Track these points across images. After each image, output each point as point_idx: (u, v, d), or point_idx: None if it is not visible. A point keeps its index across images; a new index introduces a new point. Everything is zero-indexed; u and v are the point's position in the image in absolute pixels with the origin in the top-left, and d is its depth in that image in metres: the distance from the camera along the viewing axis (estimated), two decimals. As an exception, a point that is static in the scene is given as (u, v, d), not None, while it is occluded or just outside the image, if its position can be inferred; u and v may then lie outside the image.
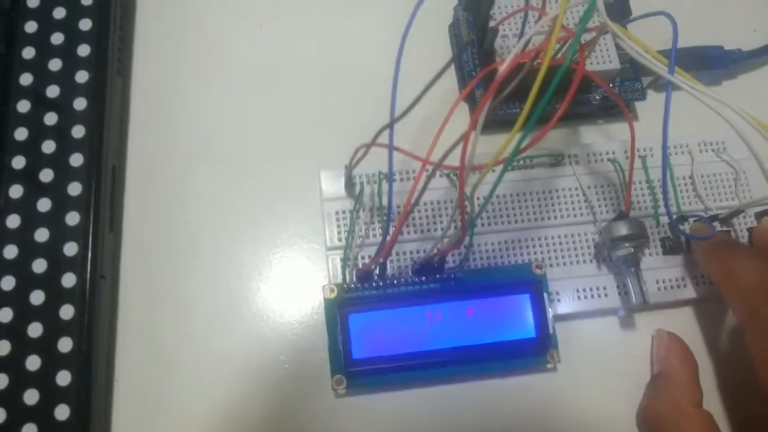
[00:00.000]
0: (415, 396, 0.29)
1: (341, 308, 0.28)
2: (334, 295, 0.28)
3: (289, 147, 0.32)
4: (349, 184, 0.30)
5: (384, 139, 0.24)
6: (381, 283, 0.28)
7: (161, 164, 0.32)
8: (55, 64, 0.30)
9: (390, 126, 0.23)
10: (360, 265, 0.29)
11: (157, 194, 0.31)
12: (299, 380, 0.29)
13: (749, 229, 0.31)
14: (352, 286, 0.28)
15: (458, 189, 0.23)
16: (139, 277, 0.30)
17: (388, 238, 0.26)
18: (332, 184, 0.30)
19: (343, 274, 0.29)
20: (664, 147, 0.25)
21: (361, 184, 0.30)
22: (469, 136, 0.22)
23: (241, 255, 0.30)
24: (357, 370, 0.27)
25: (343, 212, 0.30)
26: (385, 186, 0.30)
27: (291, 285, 0.30)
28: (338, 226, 0.30)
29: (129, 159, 0.32)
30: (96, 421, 0.26)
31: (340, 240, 0.30)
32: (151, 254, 0.30)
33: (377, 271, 0.29)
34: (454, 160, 0.22)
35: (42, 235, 0.27)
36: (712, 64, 0.33)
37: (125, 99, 0.33)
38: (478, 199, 0.30)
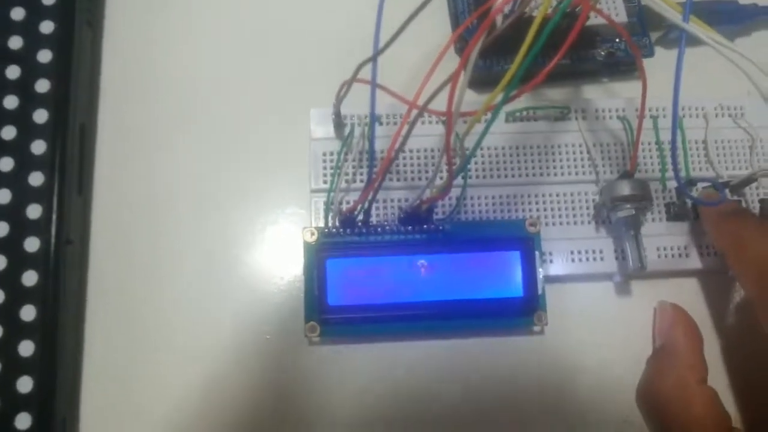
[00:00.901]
0: (392, 350, 0.27)
1: (320, 252, 0.26)
2: (314, 239, 0.27)
3: (275, 96, 0.30)
4: (339, 125, 0.28)
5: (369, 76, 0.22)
6: (364, 230, 0.27)
7: (136, 122, 0.30)
8: (17, 13, 0.27)
9: (373, 59, 0.21)
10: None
11: (132, 154, 0.29)
12: (278, 341, 0.27)
13: (761, 200, 0.29)
14: (334, 230, 0.27)
15: (445, 137, 0.21)
16: (110, 242, 0.28)
17: (371, 183, 0.25)
18: (322, 124, 0.29)
19: (326, 218, 0.28)
20: (675, 102, 0.23)
21: (351, 125, 0.28)
22: (459, 76, 0.20)
23: (222, 217, 0.29)
24: (331, 318, 0.26)
25: (331, 154, 0.28)
26: (377, 128, 0.28)
27: (274, 246, 0.29)
28: (324, 168, 0.28)
29: (101, 117, 0.30)
30: (62, 394, 0.25)
31: (325, 182, 0.28)
32: (124, 219, 0.29)
33: (361, 218, 0.27)
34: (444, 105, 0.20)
35: (3, 196, 0.26)
36: (724, 19, 0.31)
37: (96, 52, 0.30)
38: (467, 149, 0.28)
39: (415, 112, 0.22)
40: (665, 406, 0.24)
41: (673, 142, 0.24)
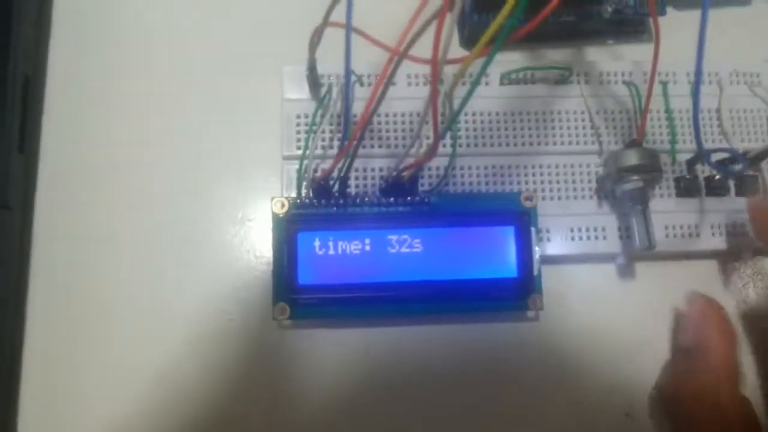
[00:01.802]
0: (369, 335, 0.25)
1: (290, 225, 0.23)
2: (284, 210, 0.24)
3: (243, 50, 0.27)
4: (314, 84, 0.25)
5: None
6: (341, 201, 0.24)
7: (90, 75, 0.27)
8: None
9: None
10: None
11: (85, 112, 0.26)
12: (244, 323, 0.25)
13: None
14: (306, 201, 0.24)
15: (430, 86, 0.18)
16: (56, 208, 0.25)
17: (346, 145, 0.22)
18: (296, 84, 0.26)
19: (299, 187, 0.25)
20: (699, 62, 0.21)
21: (329, 85, 0.25)
22: (445, 15, 0.17)
23: (183, 185, 0.26)
24: (302, 298, 0.23)
25: (306, 116, 0.25)
26: (358, 90, 0.26)
27: (240, 218, 0.26)
28: (298, 133, 0.25)
29: (49, 69, 0.27)
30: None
31: (299, 148, 0.25)
32: (74, 183, 0.26)
33: (337, 187, 0.24)
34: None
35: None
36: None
37: None
38: (463, 115, 0.25)
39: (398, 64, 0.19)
40: (696, 412, 0.22)
41: (696, 103, 0.21)
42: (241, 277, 0.25)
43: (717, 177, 0.26)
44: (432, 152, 0.20)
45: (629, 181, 0.23)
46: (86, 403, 0.24)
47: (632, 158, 0.23)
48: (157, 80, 0.27)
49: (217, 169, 0.26)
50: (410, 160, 0.23)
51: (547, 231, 0.25)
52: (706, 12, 0.20)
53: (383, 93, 0.20)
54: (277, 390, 0.24)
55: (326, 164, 0.25)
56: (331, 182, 0.24)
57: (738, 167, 0.23)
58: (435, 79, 0.18)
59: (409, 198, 0.24)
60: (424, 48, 0.18)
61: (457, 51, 0.26)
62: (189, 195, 0.26)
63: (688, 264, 0.26)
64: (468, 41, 0.27)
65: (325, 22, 0.20)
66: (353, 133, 0.21)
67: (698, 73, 0.20)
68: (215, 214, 0.26)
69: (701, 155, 0.24)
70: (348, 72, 0.20)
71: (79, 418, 0.24)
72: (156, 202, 0.25)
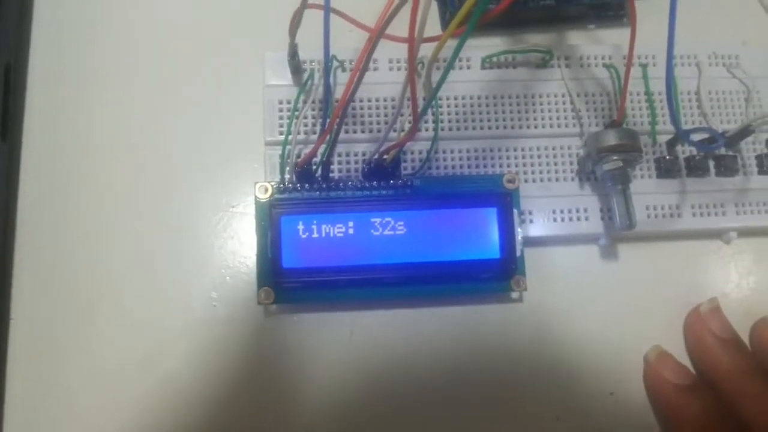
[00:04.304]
0: (355, 318, 0.25)
1: (273, 210, 0.23)
2: (267, 195, 0.24)
3: (225, 36, 0.27)
4: (296, 69, 0.25)
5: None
6: (324, 185, 0.24)
7: (72, 64, 0.27)
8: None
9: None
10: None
11: (66, 99, 0.26)
12: (228, 308, 0.25)
13: (758, 157, 0.26)
14: (290, 186, 0.24)
15: (408, 65, 0.19)
16: (40, 197, 0.25)
17: (326, 128, 0.22)
18: (278, 69, 0.26)
19: (281, 172, 0.25)
20: (671, 42, 0.21)
21: (311, 71, 0.26)
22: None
23: (166, 172, 0.26)
24: (287, 282, 0.23)
25: (288, 102, 0.25)
26: (340, 75, 0.26)
27: (224, 203, 0.26)
28: (281, 118, 0.25)
29: (31, 57, 0.27)
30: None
31: (281, 134, 0.25)
32: (56, 170, 0.26)
33: (320, 172, 0.24)
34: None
35: None
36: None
37: None
38: (441, 100, 0.26)
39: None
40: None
41: (669, 79, 0.21)
42: (226, 263, 0.25)
43: (697, 157, 0.26)
44: (412, 131, 0.20)
45: (609, 161, 0.24)
46: (72, 393, 0.23)
47: (612, 138, 0.24)
48: (139, 67, 0.27)
49: (201, 155, 0.26)
50: (392, 143, 0.23)
51: (530, 213, 0.25)
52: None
53: (361, 76, 0.20)
54: (263, 375, 0.24)
55: (309, 149, 0.25)
56: (314, 167, 0.24)
57: (715, 145, 0.24)
58: (412, 56, 0.18)
59: (392, 181, 0.24)
60: (405, 31, 0.18)
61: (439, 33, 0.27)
62: (172, 182, 0.26)
63: (670, 244, 0.26)
64: (450, 24, 0.27)
65: (304, 4, 0.20)
66: (332, 117, 0.21)
67: (670, 55, 0.20)
68: (199, 200, 0.25)
69: (679, 135, 0.25)
70: (327, 53, 0.20)
71: (66, 408, 0.23)
72: (139, 190, 0.25)
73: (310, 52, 0.25)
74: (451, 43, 0.20)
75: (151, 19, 0.28)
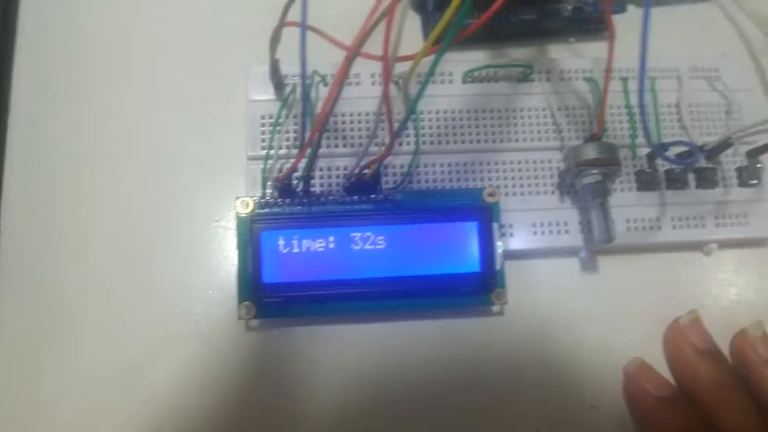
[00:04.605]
0: (336, 332, 0.25)
1: (254, 224, 0.24)
2: (248, 210, 0.24)
3: (210, 48, 0.27)
4: (278, 84, 0.25)
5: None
6: (305, 200, 0.24)
7: (57, 80, 0.27)
8: None
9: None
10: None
11: (50, 113, 0.26)
12: (210, 324, 0.25)
13: (738, 169, 0.26)
14: (271, 201, 0.24)
15: (383, 82, 0.19)
16: (22, 211, 0.25)
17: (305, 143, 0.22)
18: (260, 84, 0.26)
19: (263, 187, 0.25)
20: (643, 59, 0.21)
21: (293, 86, 0.26)
22: (395, 8, 0.17)
23: (149, 185, 0.26)
24: (268, 297, 0.23)
25: (270, 117, 0.26)
26: (322, 90, 0.26)
27: (206, 218, 0.26)
28: (263, 133, 0.25)
29: (15, 73, 0.27)
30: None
31: (263, 149, 0.25)
32: (40, 183, 0.26)
33: (301, 186, 0.24)
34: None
35: None
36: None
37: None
38: (422, 114, 0.26)
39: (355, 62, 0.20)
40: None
41: (641, 88, 0.21)
42: (208, 277, 0.25)
43: (677, 170, 0.26)
44: (389, 148, 0.21)
45: (588, 175, 0.24)
46: (54, 407, 0.24)
47: (590, 152, 0.24)
48: (123, 81, 0.27)
49: (183, 170, 0.26)
50: (372, 158, 0.23)
51: (511, 226, 0.25)
52: (648, 11, 0.21)
53: (339, 91, 0.20)
54: (245, 390, 0.24)
55: (291, 163, 0.25)
56: (295, 182, 0.24)
57: (692, 159, 0.24)
58: (387, 75, 0.18)
59: (372, 196, 0.24)
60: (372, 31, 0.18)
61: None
62: (155, 196, 0.26)
63: (650, 256, 0.26)
64: (435, 40, 0.27)
65: (282, 22, 0.20)
66: (312, 133, 0.21)
67: (642, 71, 0.20)
68: (181, 214, 0.26)
69: (655, 148, 0.25)
70: (303, 70, 0.20)
71: (47, 422, 0.23)
72: (122, 203, 0.26)
73: (293, 67, 0.25)
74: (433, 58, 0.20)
75: (135, 35, 0.28)
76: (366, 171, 0.23)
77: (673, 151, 0.26)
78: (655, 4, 0.28)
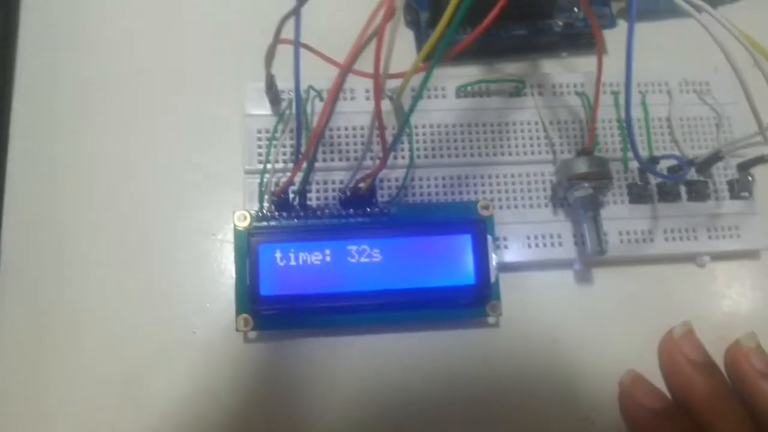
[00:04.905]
0: (333, 344, 0.25)
1: (251, 238, 0.24)
2: (245, 223, 0.24)
3: (207, 63, 0.28)
4: (274, 99, 0.26)
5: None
6: (302, 213, 0.25)
7: (56, 93, 0.27)
8: None
9: (296, 12, 0.19)
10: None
11: (48, 126, 0.27)
12: (208, 336, 0.25)
13: (729, 182, 0.27)
14: (268, 214, 0.24)
15: (374, 99, 0.19)
16: (20, 223, 0.26)
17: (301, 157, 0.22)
18: (257, 99, 0.26)
19: (260, 201, 0.25)
20: (629, 74, 0.21)
21: (289, 100, 0.26)
22: (385, 28, 0.18)
23: (148, 200, 0.26)
24: (265, 310, 0.24)
25: (267, 131, 0.26)
26: (317, 105, 0.26)
27: (204, 232, 0.26)
28: (259, 147, 0.26)
29: (16, 85, 0.27)
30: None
31: (260, 163, 0.26)
32: (39, 197, 0.26)
33: (297, 200, 0.25)
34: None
35: None
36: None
37: (11, 23, 0.28)
38: (417, 128, 0.26)
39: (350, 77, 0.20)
40: None
41: (628, 106, 0.22)
42: (206, 290, 0.25)
43: (668, 183, 0.26)
44: (382, 163, 0.21)
45: (580, 188, 0.24)
46: (50, 418, 0.24)
47: (582, 166, 0.24)
48: (122, 97, 0.27)
49: (181, 184, 0.26)
50: (367, 172, 0.23)
51: (505, 239, 0.26)
52: (632, 26, 0.21)
53: (334, 106, 0.20)
54: (242, 402, 0.24)
55: (288, 177, 0.25)
56: (291, 195, 0.25)
57: (681, 174, 0.24)
58: (378, 92, 0.18)
59: (368, 209, 0.25)
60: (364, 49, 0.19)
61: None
62: (153, 210, 0.26)
63: (643, 268, 0.27)
64: (425, 56, 0.28)
65: (276, 39, 0.20)
66: (307, 148, 0.21)
67: (628, 84, 0.21)
68: (179, 228, 0.26)
69: (641, 164, 0.25)
70: (297, 87, 0.20)
71: (43, 429, 0.24)
72: (120, 217, 0.26)
73: (289, 82, 0.25)
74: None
75: (133, 50, 0.28)
76: (361, 185, 0.23)
77: (664, 165, 0.26)
78: (645, 18, 0.29)
